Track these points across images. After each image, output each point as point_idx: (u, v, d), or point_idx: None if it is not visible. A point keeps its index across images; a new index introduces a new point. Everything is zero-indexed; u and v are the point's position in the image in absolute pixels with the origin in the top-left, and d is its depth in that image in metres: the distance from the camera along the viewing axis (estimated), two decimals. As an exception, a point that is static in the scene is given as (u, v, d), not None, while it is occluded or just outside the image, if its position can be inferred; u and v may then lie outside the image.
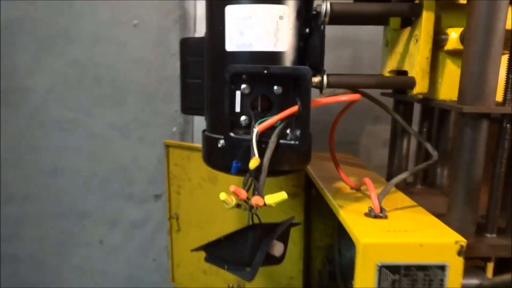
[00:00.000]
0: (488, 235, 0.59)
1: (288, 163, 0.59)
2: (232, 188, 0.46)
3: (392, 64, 0.69)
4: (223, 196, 0.45)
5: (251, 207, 0.47)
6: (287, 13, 0.57)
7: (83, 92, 1.32)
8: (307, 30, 0.61)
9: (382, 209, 0.58)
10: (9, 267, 1.43)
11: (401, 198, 0.67)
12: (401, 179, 0.61)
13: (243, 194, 0.46)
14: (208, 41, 0.61)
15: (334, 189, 0.73)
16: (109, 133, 1.35)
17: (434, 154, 0.64)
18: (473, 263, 0.60)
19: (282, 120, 0.55)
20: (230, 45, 0.58)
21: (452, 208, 0.58)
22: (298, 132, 0.55)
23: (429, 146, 0.65)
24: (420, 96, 0.64)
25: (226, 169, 0.58)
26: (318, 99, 0.56)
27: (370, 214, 0.58)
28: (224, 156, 0.59)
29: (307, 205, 0.97)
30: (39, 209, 1.39)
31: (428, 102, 0.63)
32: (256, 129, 0.54)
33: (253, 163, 0.51)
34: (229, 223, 1.19)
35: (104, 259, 1.44)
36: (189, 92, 0.68)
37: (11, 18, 1.27)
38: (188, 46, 0.67)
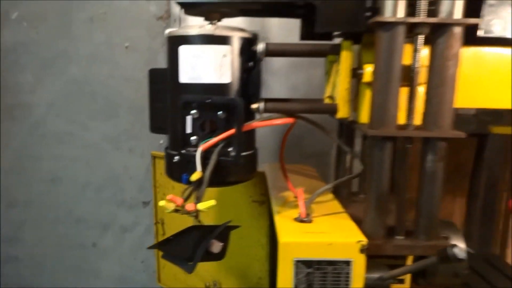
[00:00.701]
0: (398, 237, 0.70)
1: (228, 176, 0.71)
2: (169, 196, 0.58)
3: (328, 90, 0.81)
4: (162, 203, 0.57)
5: (187, 211, 0.59)
6: (230, 51, 0.69)
7: (79, 107, 1.46)
8: (251, 63, 0.73)
9: (307, 215, 0.69)
10: (10, 268, 1.57)
11: (334, 206, 0.79)
12: (326, 189, 0.73)
13: (179, 201, 0.58)
14: (168, 73, 0.74)
15: (281, 197, 0.84)
16: (103, 144, 1.48)
17: (360, 168, 0.75)
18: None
19: (222, 140, 0.67)
20: (184, 78, 0.70)
21: (366, 214, 0.69)
22: (234, 151, 0.67)
23: (358, 161, 0.77)
24: (350, 119, 0.76)
25: (180, 180, 0.70)
26: (252, 123, 0.68)
27: (298, 218, 0.69)
28: (178, 169, 0.71)
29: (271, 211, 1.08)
30: (39, 213, 1.53)
31: (352, 124, 0.75)
32: (200, 148, 0.66)
33: (195, 176, 0.63)
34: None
35: (97, 261, 1.57)
36: (156, 114, 0.81)
37: (16, 41, 1.42)
38: (154, 75, 0.79)
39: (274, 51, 0.71)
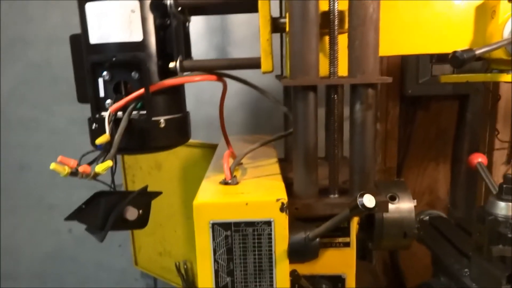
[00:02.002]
0: (331, 195, 0.65)
1: (149, 141, 0.66)
2: (59, 158, 0.54)
3: (261, 47, 0.75)
4: (52, 166, 0.53)
5: (83, 174, 0.55)
6: (139, 6, 0.64)
7: (42, 92, 1.42)
8: (168, 20, 0.68)
9: (233, 178, 0.65)
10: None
11: (272, 169, 0.74)
12: (251, 149, 0.68)
13: (72, 163, 0.54)
14: (82, 36, 0.69)
15: (219, 164, 0.80)
16: (69, 128, 1.45)
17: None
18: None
19: (133, 102, 0.63)
20: (93, 38, 0.66)
21: (295, 172, 0.65)
22: (146, 113, 0.63)
23: (290, 116, 0.71)
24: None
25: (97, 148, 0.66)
26: (163, 81, 0.64)
27: (222, 181, 0.65)
28: (96, 136, 0.67)
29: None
30: (10, 202, 1.51)
31: (281, 78, 0.70)
32: (108, 110, 0.62)
33: (100, 139, 0.59)
34: (176, 207, 1.28)
35: (74, 247, 1.55)
36: (80, 83, 0.76)
37: (-29, 28, 1.38)
38: (75, 41, 0.75)
39: (186, 5, 0.66)
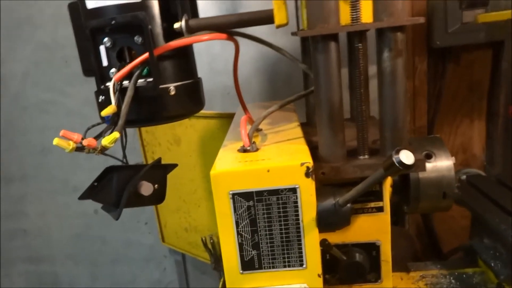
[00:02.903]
0: (361, 157, 0.59)
1: (159, 111, 0.62)
2: (61, 132, 0.50)
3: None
4: (55, 141, 0.49)
5: (90, 149, 0.51)
6: (136, -39, 0.58)
7: (55, 73, 1.40)
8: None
9: (252, 144, 0.59)
10: (20, 241, 1.58)
11: (294, 133, 0.68)
12: (270, 112, 0.62)
13: (76, 137, 0.50)
14: (79, 2, 0.64)
15: (237, 131, 0.75)
16: (85, 109, 1.42)
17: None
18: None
19: (137, 68, 0.58)
20: (90, 2, 0.60)
21: (319, 134, 0.59)
22: (152, 79, 0.58)
23: (310, 73, 0.65)
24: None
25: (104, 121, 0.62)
26: (168, 43, 0.58)
27: (240, 149, 0.60)
28: (103, 108, 0.63)
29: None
30: (36, 186, 1.52)
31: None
32: (113, 79, 0.57)
33: (106, 110, 0.54)
34: (197, 181, 1.25)
35: (101, 227, 1.56)
36: (84, 55, 0.72)
37: (-23, 12, 1.35)
38: (73, 10, 0.70)
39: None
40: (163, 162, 0.65)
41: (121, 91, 0.58)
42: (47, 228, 1.57)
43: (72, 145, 0.49)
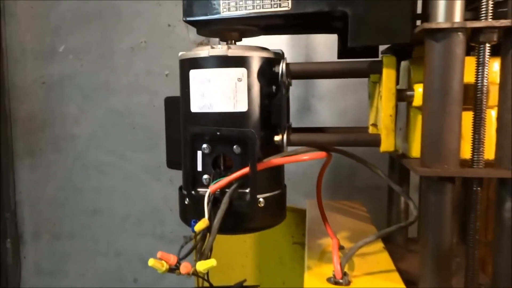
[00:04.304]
0: (466, 308, 0.53)
1: (245, 222, 0.59)
2: (159, 254, 0.47)
3: (372, 117, 0.67)
4: (151, 262, 0.46)
5: (182, 273, 0.48)
6: (246, 75, 0.58)
7: (119, 138, 1.43)
8: (274, 87, 0.61)
9: (344, 275, 0.55)
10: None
11: (383, 260, 0.63)
12: (366, 242, 0.58)
13: (172, 259, 0.47)
14: (181, 101, 0.64)
15: (317, 246, 0.71)
16: (142, 175, 1.43)
17: (415, 212, 0.60)
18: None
19: (235, 181, 0.56)
20: (194, 107, 0.60)
21: (422, 277, 0.53)
22: (249, 194, 0.55)
23: (411, 204, 0.61)
24: (400, 152, 0.61)
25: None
26: (270, 160, 0.56)
27: (331, 280, 0.55)
28: (190, 213, 0.61)
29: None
30: (81, 246, 1.50)
31: (401, 159, 0.60)
32: (208, 190, 0.55)
33: (199, 225, 0.52)
34: (248, 267, 1.19)
35: (138, 298, 1.50)
36: (172, 147, 0.71)
37: (62, 73, 1.43)
38: (170, 104, 0.71)
39: (298, 73, 0.59)
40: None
41: (213, 201, 0.56)
42: (84, 291, 1.53)
43: (165, 266, 0.46)
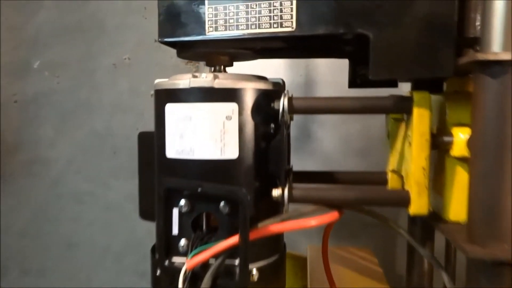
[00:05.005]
0: None
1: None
2: None
3: (392, 162, 0.54)
4: None
5: None
6: (237, 112, 0.46)
7: (101, 163, 1.29)
8: (272, 127, 0.49)
9: None
10: None
11: None
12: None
13: None
14: (155, 142, 0.51)
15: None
16: (125, 205, 1.29)
17: (449, 285, 0.47)
18: None
19: (220, 254, 0.42)
20: (170, 151, 0.47)
21: None
22: (240, 270, 0.42)
23: (445, 276, 0.48)
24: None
25: (162, 304, 0.46)
26: (269, 227, 0.43)
27: None
28: (158, 284, 0.47)
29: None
30: (54, 283, 1.35)
31: (434, 222, 0.47)
32: (184, 267, 0.41)
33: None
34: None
35: None
36: (145, 194, 0.58)
37: (37, 92, 1.30)
38: (144, 141, 0.57)
39: (305, 109, 0.47)
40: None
41: (191, 278, 0.43)
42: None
43: None
